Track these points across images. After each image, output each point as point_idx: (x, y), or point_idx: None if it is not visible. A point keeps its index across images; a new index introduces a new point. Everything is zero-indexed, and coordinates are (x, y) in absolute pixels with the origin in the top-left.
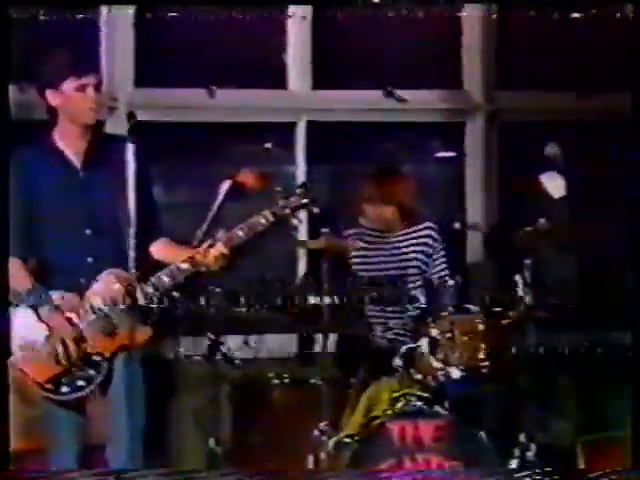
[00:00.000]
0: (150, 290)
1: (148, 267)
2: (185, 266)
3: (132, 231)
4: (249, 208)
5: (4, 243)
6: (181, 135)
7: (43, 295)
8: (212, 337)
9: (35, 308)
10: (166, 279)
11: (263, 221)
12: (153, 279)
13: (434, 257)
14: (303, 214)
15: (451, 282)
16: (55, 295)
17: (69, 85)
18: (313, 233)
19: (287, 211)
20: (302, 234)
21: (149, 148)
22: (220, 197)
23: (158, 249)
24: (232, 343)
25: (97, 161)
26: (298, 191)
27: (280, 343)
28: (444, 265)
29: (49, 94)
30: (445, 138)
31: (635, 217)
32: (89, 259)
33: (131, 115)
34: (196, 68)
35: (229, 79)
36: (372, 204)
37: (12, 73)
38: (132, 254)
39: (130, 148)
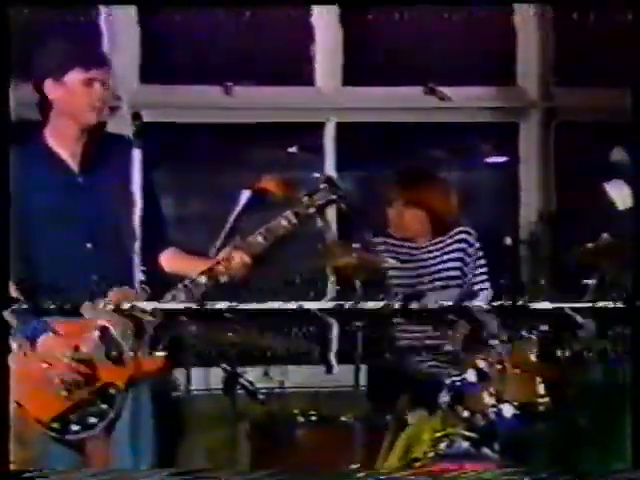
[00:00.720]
0: (161, 307)
1: (159, 283)
2: (202, 280)
3: (138, 244)
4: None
5: (4, 243)
6: (193, 138)
7: (39, 322)
8: (228, 368)
9: (32, 337)
10: (181, 295)
11: (285, 223)
12: (167, 296)
13: (471, 266)
14: (331, 213)
15: (501, 304)
16: (54, 320)
17: (74, 77)
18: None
19: (312, 210)
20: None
21: (157, 153)
22: (238, 208)
23: (169, 259)
24: (251, 375)
25: (97, 164)
26: (323, 186)
27: (306, 375)
28: (484, 276)
29: (48, 84)
30: (495, 140)
31: None
32: (92, 277)
33: (136, 116)
34: (210, 62)
35: (248, 75)
36: (397, 209)
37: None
38: (140, 270)
39: (136, 154)
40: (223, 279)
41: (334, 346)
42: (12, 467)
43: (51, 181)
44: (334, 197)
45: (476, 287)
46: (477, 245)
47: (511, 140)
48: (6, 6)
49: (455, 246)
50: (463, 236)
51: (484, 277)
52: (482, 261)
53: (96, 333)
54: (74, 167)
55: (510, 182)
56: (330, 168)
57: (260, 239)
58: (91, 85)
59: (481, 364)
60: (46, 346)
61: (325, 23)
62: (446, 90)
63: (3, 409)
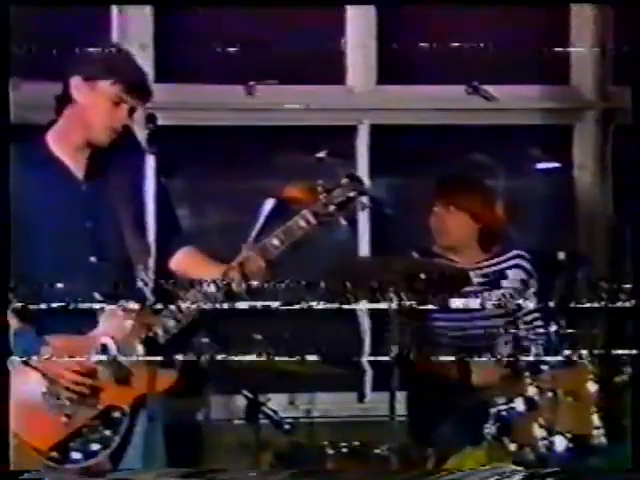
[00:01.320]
0: (172, 323)
1: (166, 295)
2: (212, 289)
3: (152, 261)
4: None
5: (4, 245)
6: (212, 142)
7: (36, 339)
8: (250, 395)
9: (29, 355)
10: (190, 307)
11: (303, 224)
12: (174, 308)
13: (527, 295)
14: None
15: (553, 327)
16: (54, 338)
17: (107, 88)
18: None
19: (332, 209)
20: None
21: (172, 159)
22: (262, 219)
23: (181, 261)
24: (275, 403)
25: (104, 171)
26: (344, 182)
27: (336, 403)
28: (542, 307)
29: (77, 81)
30: (547, 145)
31: None
32: (95, 293)
33: (151, 118)
34: (231, 60)
35: (271, 74)
36: (440, 214)
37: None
38: (150, 283)
39: (149, 160)
40: (236, 287)
41: (367, 371)
42: (12, 467)
43: (52, 189)
44: (355, 193)
45: (531, 317)
46: (533, 272)
47: (564, 144)
48: (7, 5)
49: (510, 273)
50: (517, 261)
51: (543, 309)
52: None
53: (97, 350)
54: (78, 174)
55: (563, 190)
56: (363, 175)
57: (276, 242)
58: (119, 106)
59: (531, 392)
60: (44, 364)
61: (357, 15)
62: (491, 89)
63: (3, 409)
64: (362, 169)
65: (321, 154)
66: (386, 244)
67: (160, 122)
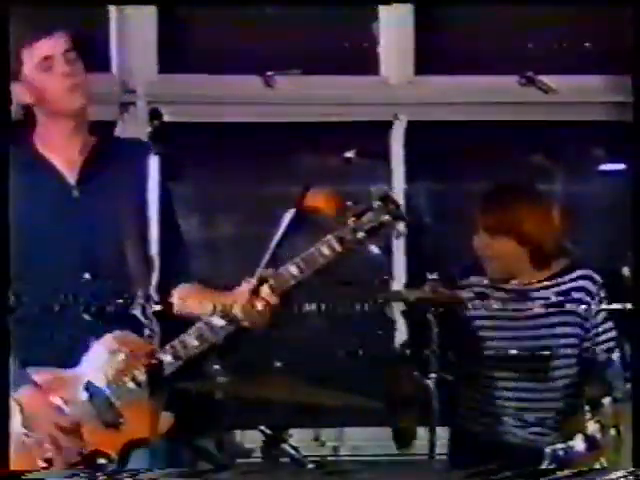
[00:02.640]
0: (169, 358)
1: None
2: (219, 322)
3: (156, 277)
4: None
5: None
6: (225, 141)
7: (17, 372)
8: (268, 431)
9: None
10: (193, 342)
11: (326, 252)
12: (175, 342)
13: (592, 322)
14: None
15: (616, 355)
16: (36, 372)
17: (29, 64)
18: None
19: (361, 235)
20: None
21: (178, 160)
22: (282, 229)
23: (184, 296)
24: (297, 439)
25: (99, 175)
26: (376, 205)
27: (367, 439)
28: (609, 334)
29: (15, 89)
30: (611, 143)
31: None
32: (85, 316)
33: (155, 113)
34: (248, 47)
35: (293, 63)
36: (483, 239)
37: None
38: (151, 306)
39: (152, 160)
40: (245, 324)
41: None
42: (12, 467)
43: (40, 196)
44: (389, 219)
45: (599, 348)
46: (602, 294)
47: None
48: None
49: (573, 297)
50: (583, 283)
51: (611, 335)
52: (606, 314)
53: (83, 387)
54: (70, 178)
55: (629, 194)
56: (398, 179)
57: (294, 271)
58: (50, 65)
59: (591, 428)
60: (24, 404)
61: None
62: (549, 80)
63: (3, 410)
64: (397, 171)
65: (349, 154)
66: (423, 259)
67: (165, 118)
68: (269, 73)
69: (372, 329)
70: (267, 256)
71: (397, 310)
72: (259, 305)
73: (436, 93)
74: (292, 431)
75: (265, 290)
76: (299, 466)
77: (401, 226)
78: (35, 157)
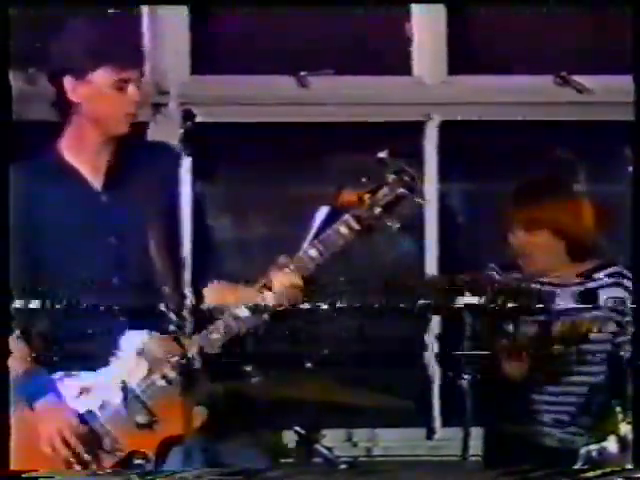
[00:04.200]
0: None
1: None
2: (244, 313)
3: (188, 277)
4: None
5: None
6: (257, 142)
7: (44, 378)
8: (301, 431)
9: (33, 398)
10: (217, 336)
11: (344, 231)
12: (199, 337)
13: (627, 319)
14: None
15: None
16: (62, 377)
17: (102, 77)
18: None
19: (377, 211)
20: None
21: (211, 162)
22: (314, 229)
23: (217, 294)
24: (330, 440)
25: (125, 179)
26: (391, 178)
27: (401, 440)
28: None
29: (69, 83)
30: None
31: None
32: (116, 317)
33: (188, 115)
34: (281, 47)
35: (326, 63)
36: (519, 234)
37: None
38: (188, 305)
39: (185, 163)
40: (269, 308)
41: (437, 403)
42: (12, 467)
43: (67, 202)
44: (404, 191)
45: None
46: (635, 292)
47: None
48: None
49: (609, 294)
50: (617, 280)
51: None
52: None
53: (114, 389)
54: (96, 183)
55: None
56: (430, 179)
57: (314, 253)
58: (123, 88)
59: (625, 429)
60: (48, 411)
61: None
62: (584, 80)
63: (3, 409)
64: (430, 171)
65: (382, 154)
66: (457, 260)
67: (198, 119)
68: (302, 73)
69: (404, 328)
70: (302, 252)
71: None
72: (283, 288)
73: (469, 93)
74: (325, 432)
75: (286, 275)
76: (332, 466)
77: (419, 198)
78: (62, 165)
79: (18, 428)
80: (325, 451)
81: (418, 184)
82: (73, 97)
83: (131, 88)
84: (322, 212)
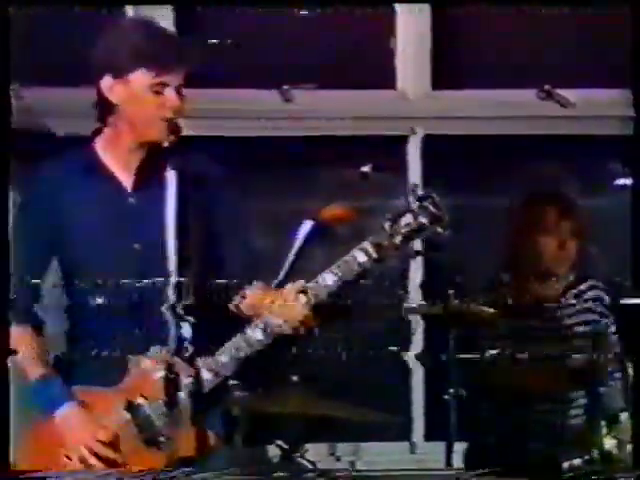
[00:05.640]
0: (209, 376)
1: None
2: (257, 335)
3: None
4: (338, 256)
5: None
6: (241, 155)
7: (62, 388)
8: (284, 446)
9: (51, 408)
10: (224, 359)
11: (362, 259)
12: (209, 360)
13: (606, 334)
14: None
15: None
16: (81, 390)
17: (140, 79)
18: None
19: (398, 240)
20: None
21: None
22: (298, 243)
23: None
24: (313, 454)
25: (154, 180)
26: (414, 206)
27: (384, 454)
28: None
29: (107, 83)
30: (629, 159)
31: None
32: (136, 329)
33: (173, 127)
34: (265, 61)
35: (310, 77)
36: (555, 253)
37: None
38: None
39: (170, 175)
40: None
41: (420, 417)
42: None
43: (96, 203)
44: (428, 220)
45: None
46: (609, 304)
47: None
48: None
49: (588, 306)
50: (595, 294)
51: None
52: (614, 325)
53: (124, 406)
54: (126, 183)
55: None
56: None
57: (330, 281)
58: (162, 91)
59: (608, 444)
60: (66, 421)
61: (409, 11)
62: (567, 94)
63: (3, 409)
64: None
65: (365, 168)
66: (440, 275)
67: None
68: (286, 87)
69: (389, 343)
70: (286, 266)
71: (415, 323)
72: (293, 317)
73: (453, 107)
74: (308, 446)
75: (301, 300)
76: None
77: (442, 228)
78: (95, 164)
79: (37, 438)
80: (308, 465)
81: (444, 213)
82: (112, 98)
83: (169, 92)
84: (306, 226)
